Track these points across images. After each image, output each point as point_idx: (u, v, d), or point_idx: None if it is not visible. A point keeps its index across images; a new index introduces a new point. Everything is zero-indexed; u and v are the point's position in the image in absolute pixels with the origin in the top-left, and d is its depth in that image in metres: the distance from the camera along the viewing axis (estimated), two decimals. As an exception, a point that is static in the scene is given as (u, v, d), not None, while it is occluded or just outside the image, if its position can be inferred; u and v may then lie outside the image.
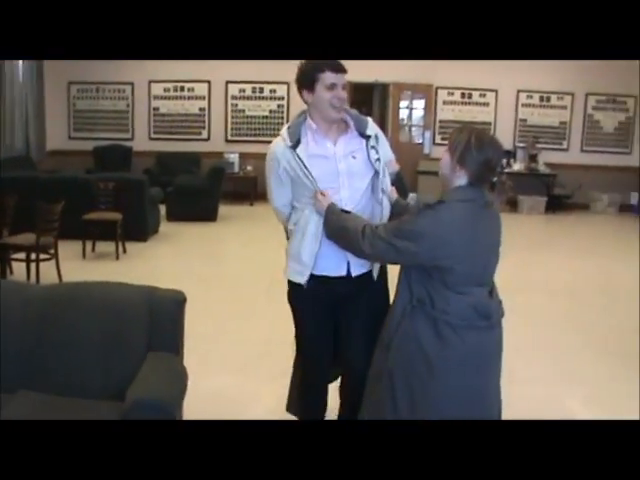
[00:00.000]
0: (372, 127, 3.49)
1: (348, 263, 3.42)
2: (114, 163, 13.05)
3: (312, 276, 3.43)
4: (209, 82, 14.10)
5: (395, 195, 3.55)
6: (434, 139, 14.26)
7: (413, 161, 13.25)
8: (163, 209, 11.16)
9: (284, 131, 3.44)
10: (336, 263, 3.42)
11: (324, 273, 3.43)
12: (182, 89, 14.13)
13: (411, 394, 3.00)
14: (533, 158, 13.83)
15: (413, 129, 14.83)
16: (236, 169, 13.75)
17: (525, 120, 14.44)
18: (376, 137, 3.49)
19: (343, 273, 3.44)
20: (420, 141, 14.48)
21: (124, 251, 9.01)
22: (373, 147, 3.45)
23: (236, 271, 8.61)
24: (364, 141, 3.45)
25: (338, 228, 3.22)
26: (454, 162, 2.93)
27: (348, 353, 3.58)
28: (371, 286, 3.52)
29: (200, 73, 13.97)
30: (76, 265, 8.20)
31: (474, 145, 2.89)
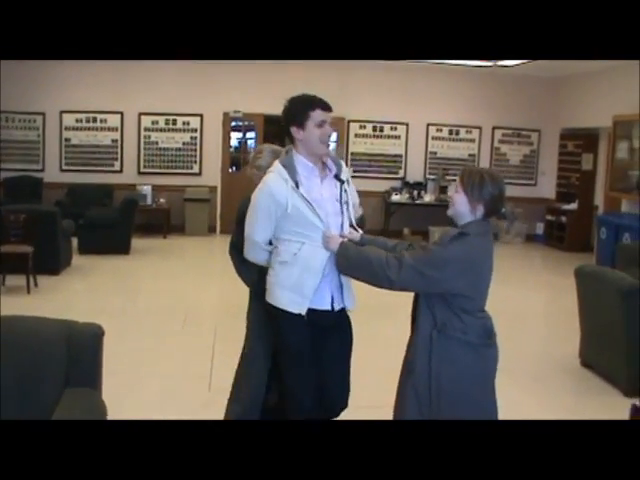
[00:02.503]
0: (345, 171, 3.76)
1: (332, 298, 3.69)
2: (24, 195, 12.75)
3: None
4: (122, 113, 14.00)
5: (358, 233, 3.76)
6: (346, 171, 14.39)
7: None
8: (75, 242, 10.99)
9: (282, 170, 3.57)
10: (324, 297, 3.67)
11: (312, 306, 3.64)
12: (94, 120, 13.98)
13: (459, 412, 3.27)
14: (443, 190, 14.18)
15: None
16: (149, 201, 13.66)
17: (435, 153, 14.83)
18: (348, 181, 3.76)
19: (328, 307, 3.69)
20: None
21: (35, 285, 8.83)
22: (345, 191, 3.71)
23: (150, 305, 8.55)
24: (339, 184, 3.70)
25: (360, 261, 3.43)
26: (472, 199, 3.28)
27: (329, 381, 3.83)
28: (345, 320, 3.84)
29: (113, 104, 13.89)
30: (-15, 299, 8.00)
31: (489, 183, 3.26)
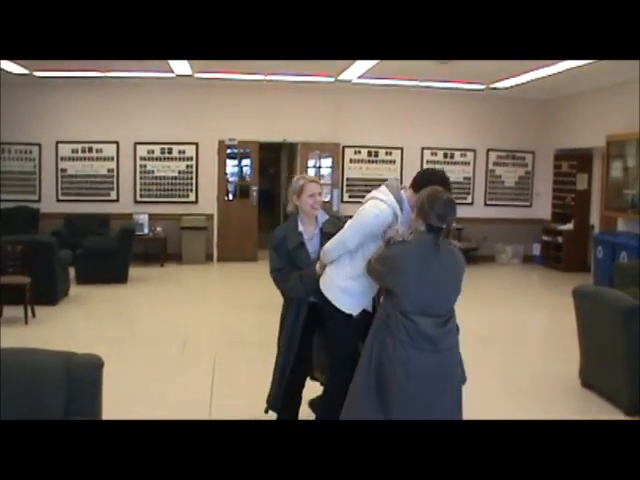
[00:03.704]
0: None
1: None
2: (21, 225, 12.76)
3: None
4: (117, 143, 14.03)
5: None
6: (342, 197, 14.47)
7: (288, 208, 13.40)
8: (72, 271, 10.98)
9: (396, 206, 4.28)
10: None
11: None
12: (90, 150, 14.01)
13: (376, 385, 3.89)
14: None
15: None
16: (146, 230, 13.68)
17: (430, 176, 14.80)
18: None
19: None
20: (328, 199, 14.67)
21: (33, 315, 8.81)
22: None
23: (149, 333, 8.54)
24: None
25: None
26: (416, 214, 3.91)
27: None
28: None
29: (108, 134, 13.94)
30: (-17, 332, 7.98)
31: (426, 202, 3.83)
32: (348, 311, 4.43)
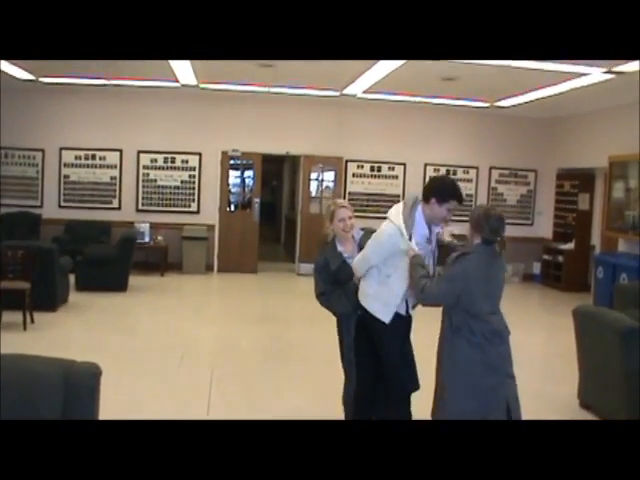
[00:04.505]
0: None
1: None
2: (22, 231, 12.80)
3: None
4: (121, 151, 14.07)
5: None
6: (344, 211, 14.35)
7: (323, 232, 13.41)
8: (73, 278, 10.97)
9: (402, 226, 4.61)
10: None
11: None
12: (94, 157, 14.05)
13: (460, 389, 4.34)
14: (439, 229, 14.15)
15: (323, 201, 14.90)
16: (147, 239, 13.69)
17: (432, 193, 14.81)
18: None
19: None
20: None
21: (32, 321, 8.80)
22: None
23: (147, 343, 8.52)
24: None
25: (411, 273, 4.63)
26: (472, 230, 4.38)
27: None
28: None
29: (112, 142, 13.98)
30: (-19, 336, 7.96)
31: (483, 217, 4.33)
32: (381, 317, 4.71)
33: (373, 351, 4.88)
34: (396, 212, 4.67)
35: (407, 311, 4.80)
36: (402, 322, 4.79)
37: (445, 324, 4.44)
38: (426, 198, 4.62)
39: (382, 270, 4.72)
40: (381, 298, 4.74)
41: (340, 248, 5.11)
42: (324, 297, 5.11)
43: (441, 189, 4.63)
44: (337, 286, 5.03)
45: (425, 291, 4.33)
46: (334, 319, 5.21)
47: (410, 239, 4.56)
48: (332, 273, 5.04)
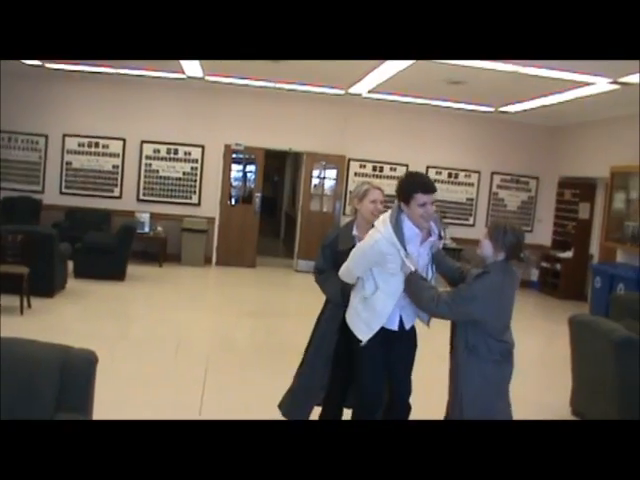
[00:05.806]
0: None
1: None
2: (23, 215, 12.79)
3: None
4: (124, 140, 14.08)
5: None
6: (344, 210, 14.44)
7: (324, 229, 13.43)
8: (71, 265, 10.99)
9: (393, 234, 4.22)
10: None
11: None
12: (97, 145, 14.04)
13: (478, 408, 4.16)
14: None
15: (324, 198, 14.97)
16: (146, 229, 13.69)
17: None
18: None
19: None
20: (330, 210, 14.66)
21: (29, 306, 8.81)
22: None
23: (143, 332, 8.54)
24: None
25: (416, 290, 4.28)
26: (496, 246, 4.12)
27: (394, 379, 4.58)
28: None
29: (115, 131, 13.98)
30: (-23, 319, 7.97)
31: (510, 233, 4.12)
32: (358, 335, 4.36)
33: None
34: (383, 221, 4.27)
35: (402, 326, 4.42)
36: (389, 339, 4.39)
37: (458, 343, 4.21)
38: (401, 203, 4.28)
39: (365, 285, 4.35)
40: (362, 315, 4.36)
41: (355, 232, 4.67)
42: (321, 276, 4.79)
43: (402, 192, 4.30)
44: (337, 270, 4.53)
45: (440, 301, 4.08)
46: None
47: (405, 249, 4.18)
48: (337, 253, 4.64)
